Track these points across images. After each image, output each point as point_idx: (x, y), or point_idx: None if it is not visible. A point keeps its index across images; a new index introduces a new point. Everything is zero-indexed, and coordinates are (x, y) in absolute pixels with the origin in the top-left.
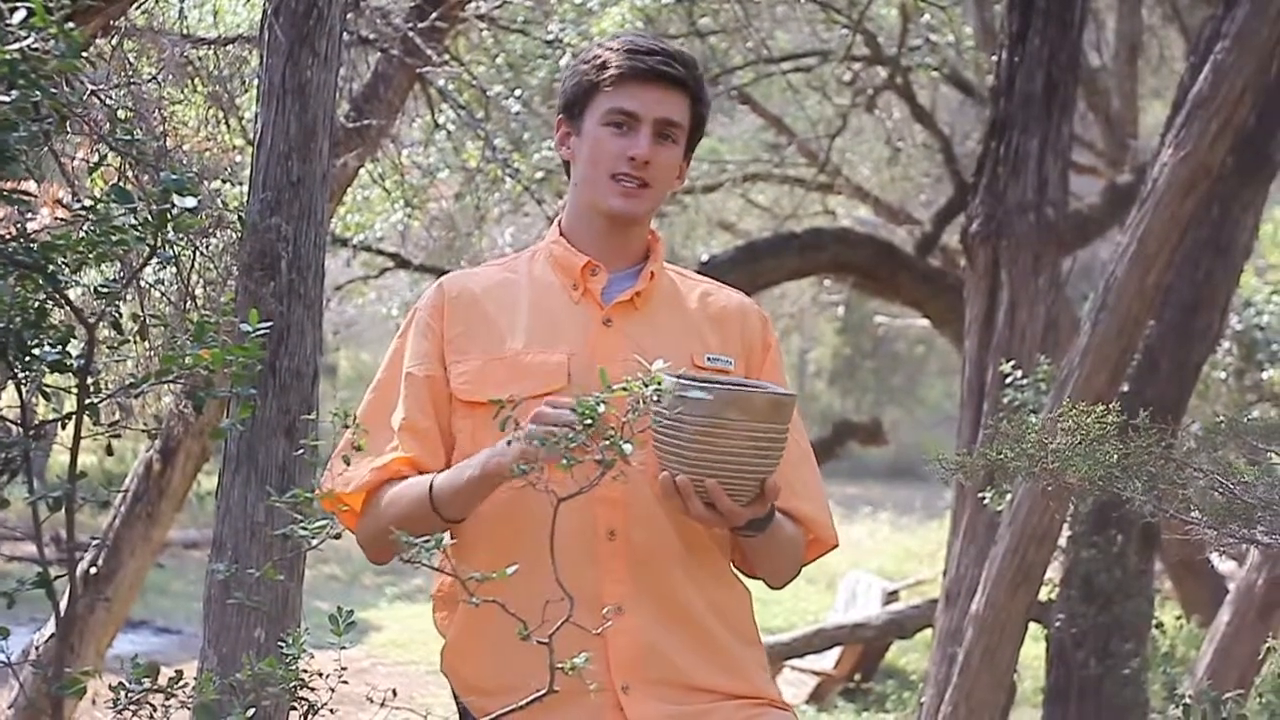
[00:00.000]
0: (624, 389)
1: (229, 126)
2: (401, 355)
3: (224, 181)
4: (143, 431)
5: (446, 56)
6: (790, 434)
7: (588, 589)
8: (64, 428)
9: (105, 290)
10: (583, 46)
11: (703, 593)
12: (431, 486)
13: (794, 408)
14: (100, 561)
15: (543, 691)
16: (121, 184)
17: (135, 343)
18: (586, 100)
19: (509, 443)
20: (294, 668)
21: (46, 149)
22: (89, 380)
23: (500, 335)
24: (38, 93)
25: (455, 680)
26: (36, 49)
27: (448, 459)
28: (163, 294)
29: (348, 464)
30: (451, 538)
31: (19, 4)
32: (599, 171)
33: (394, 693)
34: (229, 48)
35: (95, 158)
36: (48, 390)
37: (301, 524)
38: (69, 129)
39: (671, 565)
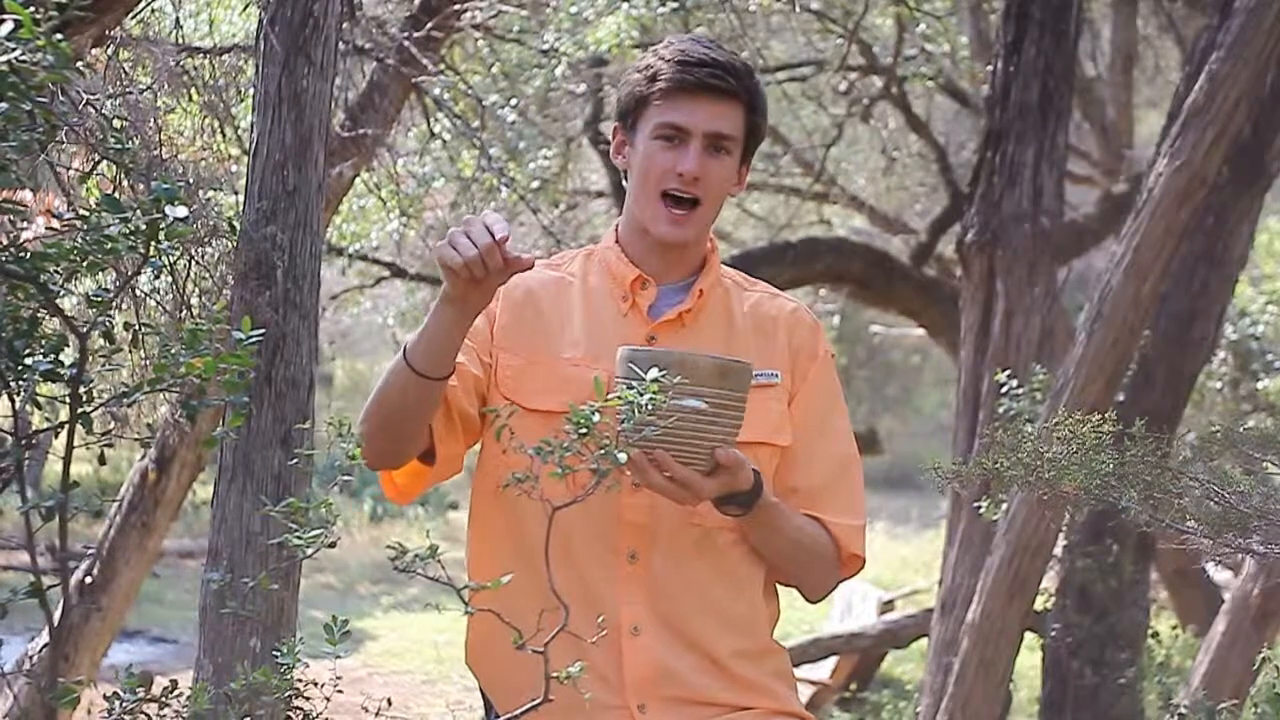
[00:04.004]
0: (618, 398)
1: (224, 136)
2: None
3: (219, 191)
4: (137, 441)
5: (442, 66)
6: (825, 443)
7: (606, 609)
8: (57, 437)
9: (97, 299)
10: (636, 54)
11: (725, 611)
12: (404, 345)
13: (747, 376)
14: (95, 571)
15: (538, 700)
16: (115, 193)
17: (129, 352)
18: (639, 111)
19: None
20: (289, 677)
21: (43, 158)
22: (81, 389)
23: (549, 337)
24: (28, 103)
25: (479, 676)
26: (25, 60)
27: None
28: (158, 303)
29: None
30: (462, 551)
31: (6, 16)
32: (649, 188)
33: (389, 702)
34: (224, 57)
35: (89, 167)
36: (40, 400)
37: (296, 533)
38: (64, 139)
39: (692, 589)
